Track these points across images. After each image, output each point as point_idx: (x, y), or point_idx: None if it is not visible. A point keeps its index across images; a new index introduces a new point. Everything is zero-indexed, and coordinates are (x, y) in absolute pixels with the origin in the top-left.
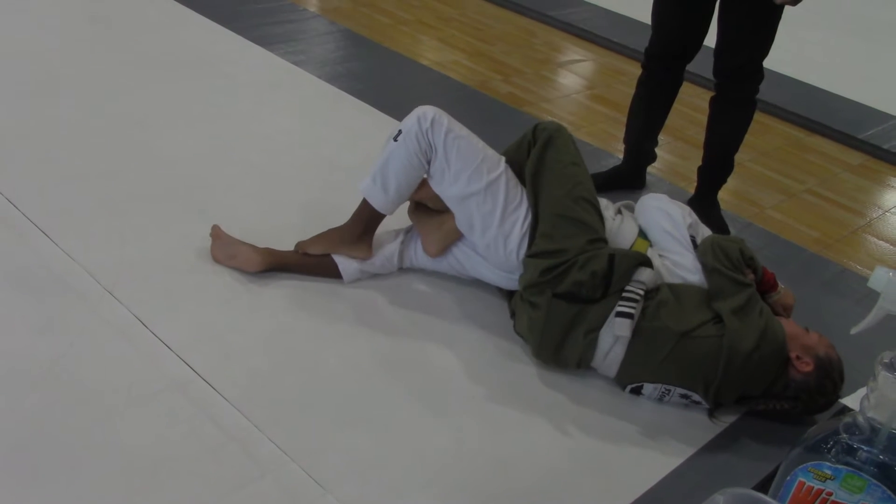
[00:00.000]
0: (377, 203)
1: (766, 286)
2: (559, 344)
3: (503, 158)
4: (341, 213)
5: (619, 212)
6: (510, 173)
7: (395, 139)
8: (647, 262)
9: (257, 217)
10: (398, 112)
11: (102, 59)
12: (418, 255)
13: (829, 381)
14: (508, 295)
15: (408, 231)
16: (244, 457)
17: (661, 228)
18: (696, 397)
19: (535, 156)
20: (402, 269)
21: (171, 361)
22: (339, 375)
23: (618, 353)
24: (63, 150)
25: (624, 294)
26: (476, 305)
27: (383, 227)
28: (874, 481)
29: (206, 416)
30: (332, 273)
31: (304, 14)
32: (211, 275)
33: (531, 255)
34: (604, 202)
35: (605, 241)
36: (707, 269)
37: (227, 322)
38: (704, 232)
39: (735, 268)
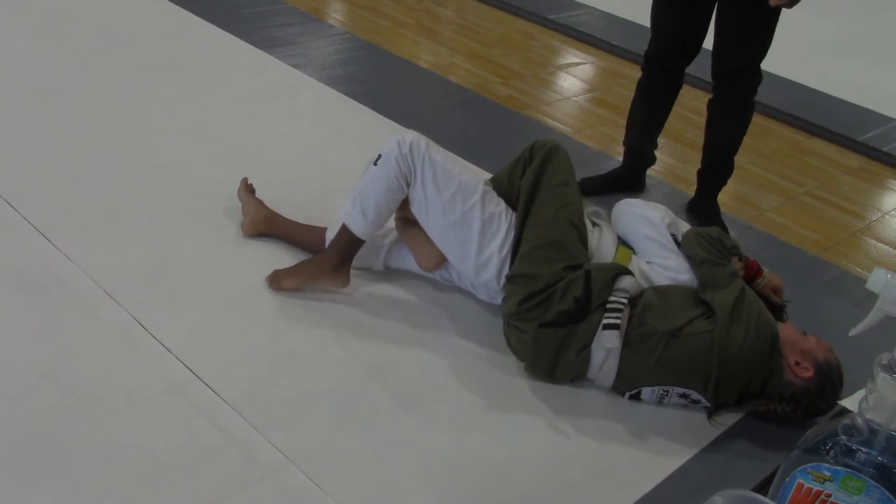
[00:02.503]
0: (356, 228)
1: (750, 272)
2: (552, 365)
3: (482, 183)
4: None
5: (594, 224)
6: (489, 199)
7: (375, 163)
8: (625, 272)
9: None
10: (397, 115)
11: (102, 63)
12: (409, 259)
13: (829, 384)
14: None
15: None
16: (244, 459)
17: (642, 235)
18: (696, 395)
19: (532, 173)
20: (400, 274)
21: (170, 364)
22: (339, 379)
23: (611, 365)
24: (63, 154)
25: (608, 306)
26: (473, 310)
27: None
28: (873, 483)
29: (206, 418)
30: (318, 248)
31: (304, 17)
32: (210, 278)
33: (509, 277)
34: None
35: (583, 267)
36: (696, 261)
37: (227, 325)
38: (684, 228)
39: (724, 256)
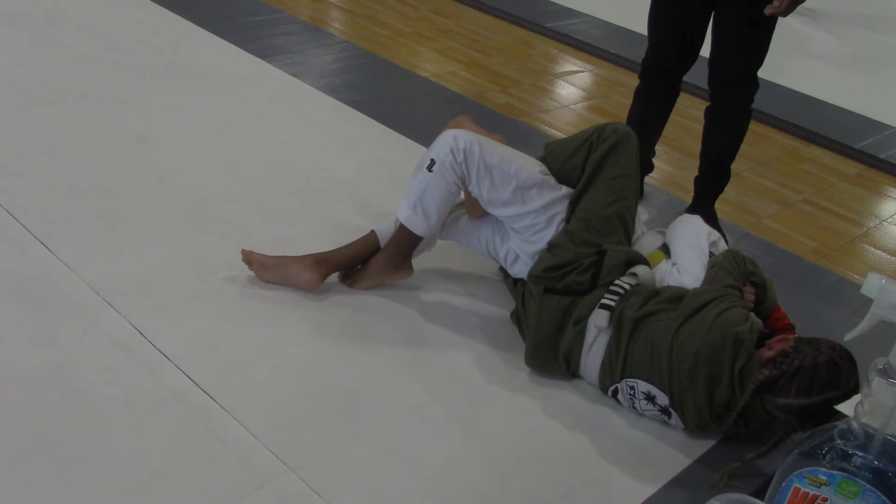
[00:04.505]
0: (421, 230)
1: (774, 325)
2: (553, 340)
3: (539, 174)
4: (341, 223)
5: (650, 228)
6: (547, 189)
7: (430, 169)
8: (641, 261)
9: (257, 228)
10: (396, 123)
11: (101, 72)
12: (459, 228)
13: (815, 342)
14: (513, 285)
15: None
16: (243, 467)
17: (682, 240)
18: (662, 398)
19: (598, 157)
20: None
21: (169, 372)
22: (338, 385)
23: (599, 347)
24: (63, 162)
25: (610, 287)
26: (474, 316)
27: None
28: (869, 487)
29: (205, 426)
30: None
31: (303, 26)
32: (209, 285)
33: (550, 244)
34: (643, 215)
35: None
36: (710, 264)
37: (226, 332)
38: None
39: (739, 274)
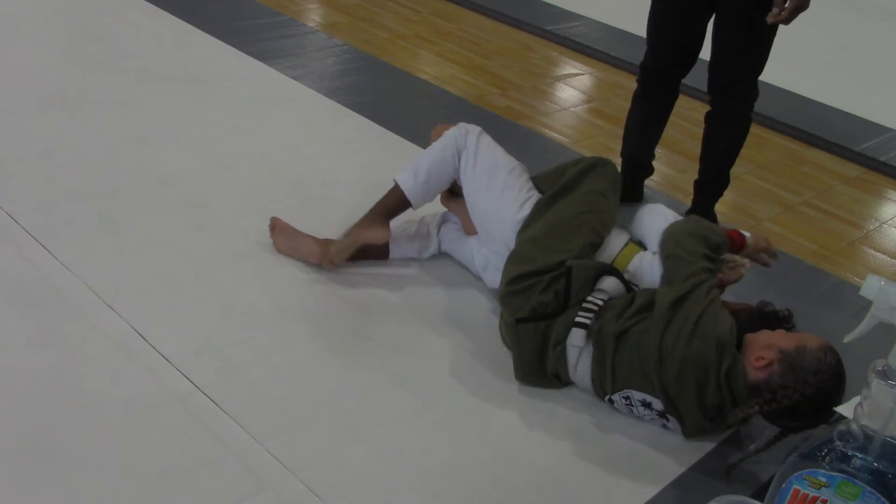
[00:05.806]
0: (406, 186)
1: (735, 246)
2: (538, 364)
3: (517, 162)
4: (340, 226)
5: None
6: (518, 174)
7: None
8: (609, 271)
9: (257, 231)
10: (397, 126)
11: (102, 74)
12: (446, 240)
13: (800, 369)
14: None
15: (442, 222)
16: (243, 470)
17: (656, 231)
18: (657, 404)
19: (575, 173)
20: (399, 282)
21: (170, 374)
22: (338, 388)
23: (585, 366)
24: (63, 165)
25: (583, 305)
26: (473, 321)
27: (429, 211)
28: (868, 488)
29: (206, 429)
30: (382, 255)
31: (303, 29)
32: (210, 288)
33: (511, 255)
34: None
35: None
36: (663, 256)
37: (227, 335)
38: None
39: (698, 254)
